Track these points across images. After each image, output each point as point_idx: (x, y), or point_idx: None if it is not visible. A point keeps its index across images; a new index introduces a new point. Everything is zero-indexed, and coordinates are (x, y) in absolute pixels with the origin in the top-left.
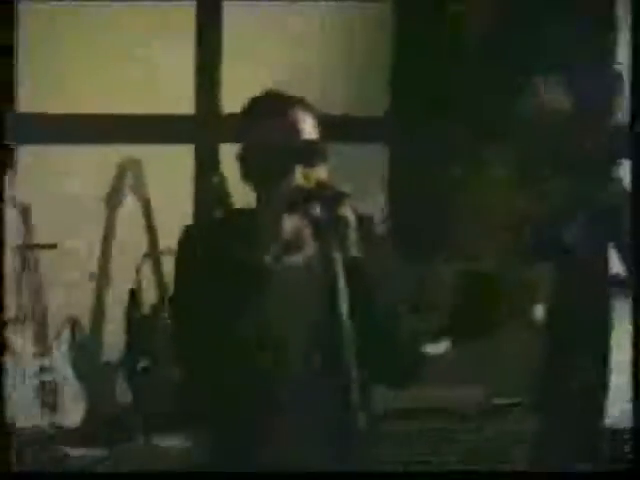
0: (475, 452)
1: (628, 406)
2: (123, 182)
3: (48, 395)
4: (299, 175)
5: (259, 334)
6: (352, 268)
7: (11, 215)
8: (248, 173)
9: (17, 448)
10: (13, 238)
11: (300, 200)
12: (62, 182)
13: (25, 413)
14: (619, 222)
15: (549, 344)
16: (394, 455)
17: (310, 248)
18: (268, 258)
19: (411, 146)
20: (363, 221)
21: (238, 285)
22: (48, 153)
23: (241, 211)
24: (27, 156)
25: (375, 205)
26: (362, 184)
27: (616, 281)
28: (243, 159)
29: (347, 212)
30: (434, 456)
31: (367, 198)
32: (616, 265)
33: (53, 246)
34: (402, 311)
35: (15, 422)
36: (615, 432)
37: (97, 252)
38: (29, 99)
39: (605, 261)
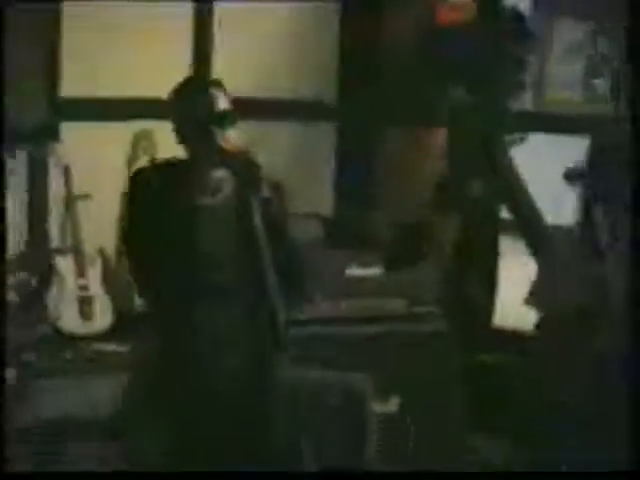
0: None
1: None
2: (138, 147)
3: (85, 307)
4: (220, 138)
5: (193, 252)
6: (263, 205)
7: (56, 173)
8: (183, 140)
9: (59, 345)
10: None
11: (220, 156)
12: (94, 149)
13: (67, 320)
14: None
15: (454, 271)
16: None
17: (228, 191)
18: (198, 198)
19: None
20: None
21: (177, 218)
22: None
23: (178, 162)
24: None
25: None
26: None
27: (507, 226)
28: (177, 131)
29: (254, 165)
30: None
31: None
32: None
33: (88, 196)
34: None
35: (60, 327)
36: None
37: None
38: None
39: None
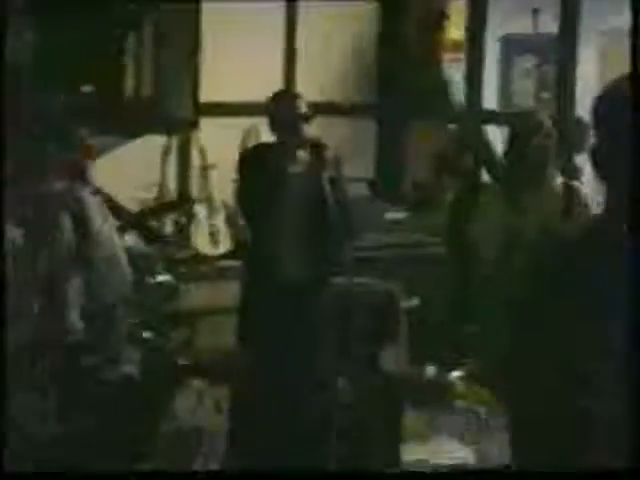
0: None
1: None
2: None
3: (213, 237)
4: (300, 130)
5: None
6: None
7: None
8: (275, 131)
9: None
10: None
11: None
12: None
13: (201, 245)
14: None
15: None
16: None
17: (305, 166)
18: (286, 169)
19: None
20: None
21: (270, 183)
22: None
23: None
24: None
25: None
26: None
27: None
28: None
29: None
30: None
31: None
32: None
33: (215, 166)
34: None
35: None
36: None
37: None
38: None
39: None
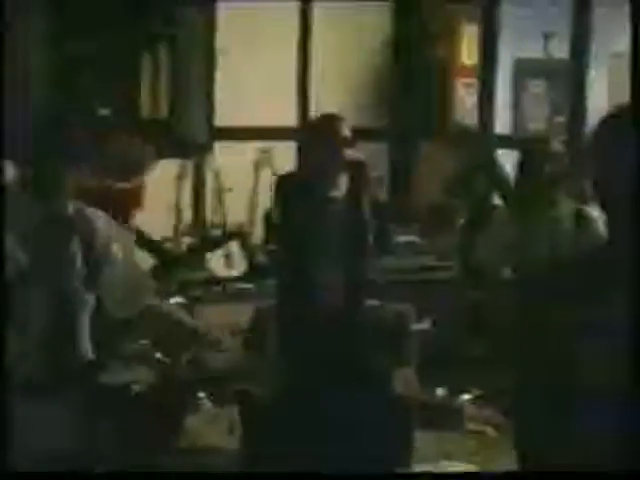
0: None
1: None
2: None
3: (227, 259)
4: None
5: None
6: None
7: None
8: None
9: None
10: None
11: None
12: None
13: (216, 267)
14: None
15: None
16: None
17: (345, 189)
18: (325, 193)
19: None
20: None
21: (309, 208)
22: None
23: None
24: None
25: None
26: None
27: None
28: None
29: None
30: None
31: None
32: None
33: (230, 190)
34: None
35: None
36: None
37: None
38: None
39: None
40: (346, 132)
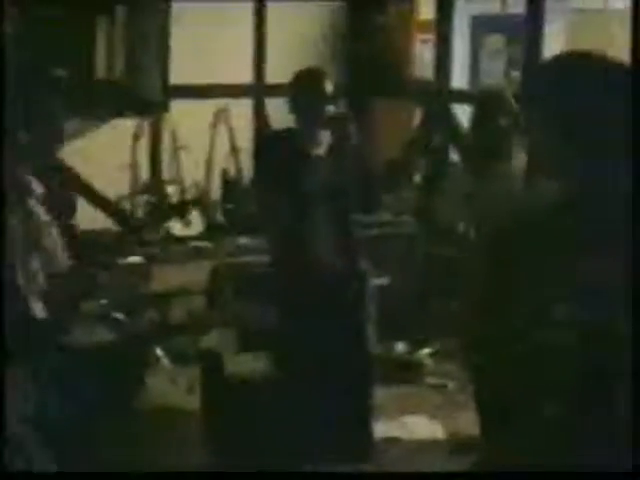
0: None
1: None
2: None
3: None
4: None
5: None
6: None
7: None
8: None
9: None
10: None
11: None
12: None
13: (173, 225)
14: None
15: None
16: None
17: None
18: (310, 151)
19: None
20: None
21: (294, 164)
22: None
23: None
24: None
25: None
26: None
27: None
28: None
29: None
30: None
31: None
32: None
33: (185, 147)
34: None
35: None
36: None
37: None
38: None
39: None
40: (329, 87)
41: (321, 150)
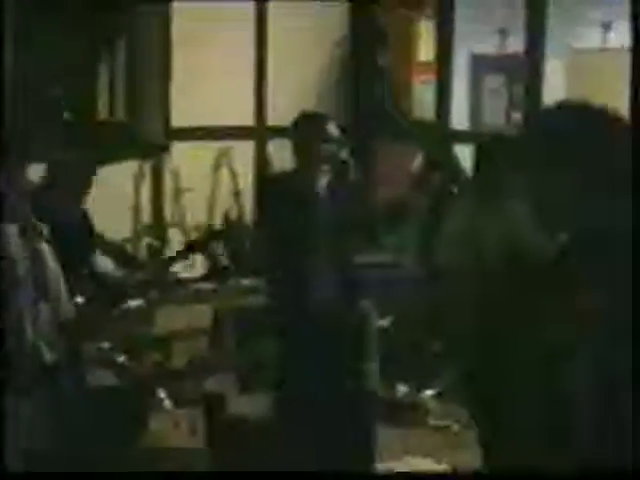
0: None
1: None
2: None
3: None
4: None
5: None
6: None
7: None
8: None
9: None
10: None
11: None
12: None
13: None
14: None
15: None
16: None
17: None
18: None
19: None
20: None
21: (295, 206)
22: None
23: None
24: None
25: None
26: None
27: None
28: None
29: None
30: None
31: None
32: None
33: (189, 190)
34: None
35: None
36: None
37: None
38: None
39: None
40: (330, 129)
41: (320, 190)
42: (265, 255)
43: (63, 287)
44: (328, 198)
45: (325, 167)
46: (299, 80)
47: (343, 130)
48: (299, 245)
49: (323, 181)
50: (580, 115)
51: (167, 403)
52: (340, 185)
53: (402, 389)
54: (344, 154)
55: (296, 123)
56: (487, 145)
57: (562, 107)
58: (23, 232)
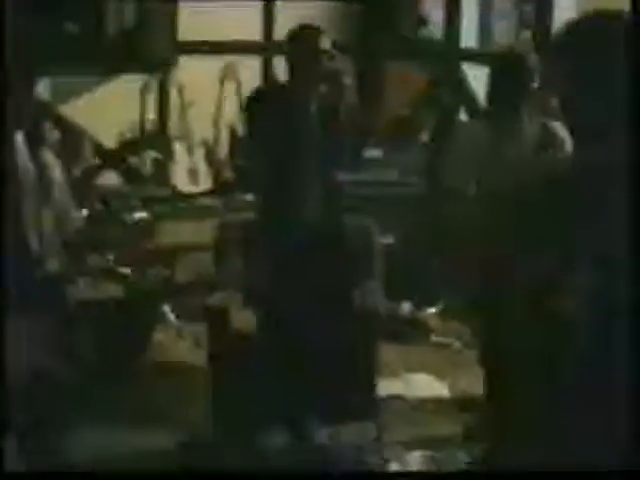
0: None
1: None
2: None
3: (192, 176)
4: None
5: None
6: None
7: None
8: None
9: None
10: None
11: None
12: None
13: (180, 183)
14: None
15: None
16: None
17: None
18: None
19: None
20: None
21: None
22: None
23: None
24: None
25: None
26: None
27: None
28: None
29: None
30: None
31: None
32: None
33: (193, 103)
34: None
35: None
36: None
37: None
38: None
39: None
40: (326, 43)
41: (313, 106)
42: (260, 171)
43: (69, 198)
44: (319, 112)
45: (318, 81)
46: None
47: (349, 47)
48: (289, 162)
49: (315, 95)
50: (609, 25)
51: (171, 316)
52: (333, 100)
53: (404, 306)
54: (343, 74)
55: (288, 36)
56: (500, 65)
57: (590, 17)
58: (30, 140)
